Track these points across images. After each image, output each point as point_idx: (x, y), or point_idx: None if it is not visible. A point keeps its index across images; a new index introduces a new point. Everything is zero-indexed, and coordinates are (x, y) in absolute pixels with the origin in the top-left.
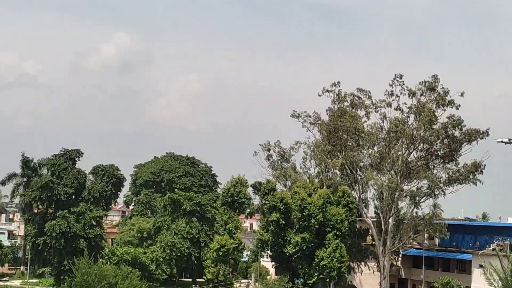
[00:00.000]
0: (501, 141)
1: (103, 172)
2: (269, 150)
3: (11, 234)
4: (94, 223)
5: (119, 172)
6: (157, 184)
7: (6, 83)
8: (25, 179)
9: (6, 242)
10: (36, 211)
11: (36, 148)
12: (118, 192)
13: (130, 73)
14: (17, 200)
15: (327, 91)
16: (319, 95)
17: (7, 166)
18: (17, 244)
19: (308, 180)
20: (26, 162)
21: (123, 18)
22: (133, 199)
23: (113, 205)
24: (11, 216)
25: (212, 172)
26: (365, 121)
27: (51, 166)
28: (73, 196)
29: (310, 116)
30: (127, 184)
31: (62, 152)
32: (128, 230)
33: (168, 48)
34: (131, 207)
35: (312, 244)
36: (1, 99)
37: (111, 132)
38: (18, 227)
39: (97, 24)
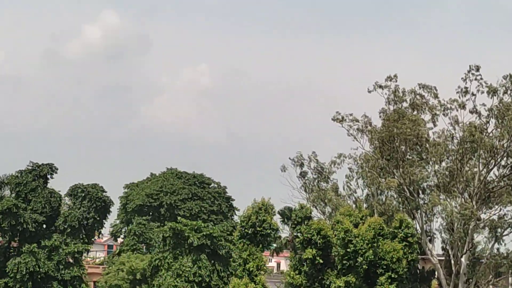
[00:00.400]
0: None
1: (83, 194)
2: (302, 165)
3: None
4: (71, 260)
5: (104, 194)
6: (154, 210)
7: None
8: None
9: None
10: None
11: None
12: (103, 220)
13: (119, 64)
14: None
15: (380, 86)
16: (369, 92)
17: None
18: None
19: (354, 206)
20: None
21: None
22: (123, 230)
23: (96, 237)
24: None
25: (227, 194)
26: (431, 128)
27: (16, 186)
28: (44, 225)
29: (357, 121)
30: (114, 210)
31: (30, 167)
32: (116, 270)
33: (169, 31)
34: (120, 240)
35: None
36: None
37: (94, 141)
38: None
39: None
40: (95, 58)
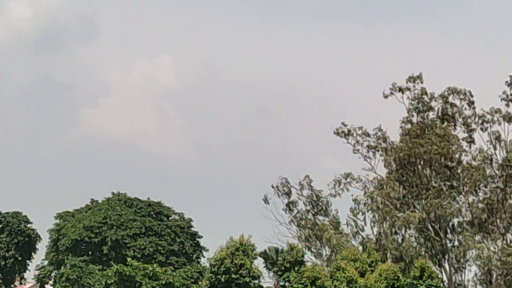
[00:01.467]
0: None
1: (1, 226)
2: (289, 194)
3: None
4: None
5: (29, 225)
6: (95, 248)
7: None
8: None
9: None
10: None
11: None
12: (27, 261)
13: (54, 54)
14: None
15: (400, 90)
16: (385, 97)
17: None
18: None
19: (361, 248)
20: None
21: None
22: (53, 274)
23: (17, 283)
24: None
25: (193, 229)
26: (464, 147)
27: None
28: None
29: (368, 135)
30: (42, 247)
31: None
32: None
33: (121, 12)
34: (48, 287)
35: None
36: None
37: (16, 155)
38: None
39: None
40: (21, 45)
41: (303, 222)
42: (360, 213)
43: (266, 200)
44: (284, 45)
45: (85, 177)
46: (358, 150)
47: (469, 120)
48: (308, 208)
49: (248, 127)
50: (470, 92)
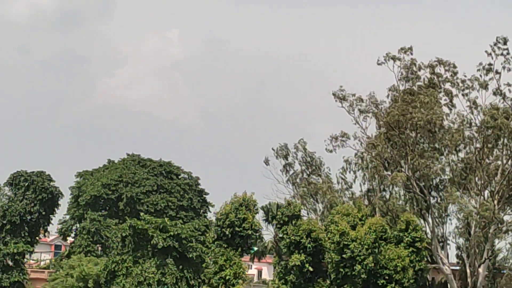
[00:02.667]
0: None
1: (26, 184)
2: (287, 156)
3: None
4: (10, 263)
5: (52, 183)
6: (112, 204)
7: None
8: None
9: None
10: None
11: None
12: (50, 216)
13: (74, 29)
14: None
15: (392, 58)
16: (379, 64)
17: None
18: None
19: (351, 204)
20: None
21: None
22: (74, 227)
23: (41, 235)
24: None
25: (200, 187)
26: (448, 112)
27: None
28: None
29: (362, 100)
30: (64, 203)
31: None
32: (65, 275)
33: None
34: (70, 239)
35: None
36: None
37: (40, 120)
38: None
39: None
40: (43, 22)
41: (298, 181)
42: (352, 172)
43: (266, 162)
44: (285, 19)
45: (103, 139)
46: (352, 113)
47: (450, 88)
48: (303, 168)
49: (251, 95)
50: (454, 63)
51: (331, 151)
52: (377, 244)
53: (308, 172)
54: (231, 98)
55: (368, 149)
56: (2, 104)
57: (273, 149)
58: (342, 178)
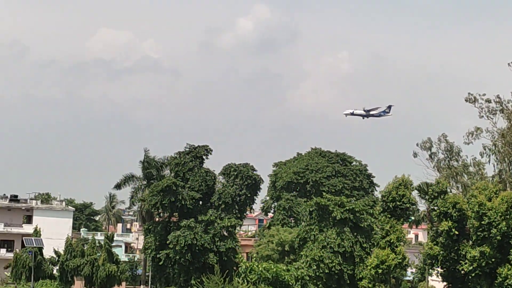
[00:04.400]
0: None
1: (235, 173)
2: (430, 148)
3: (128, 247)
4: (225, 234)
5: (255, 172)
6: (301, 187)
7: (123, 67)
8: (144, 182)
9: (123, 257)
10: (157, 219)
11: (156, 145)
12: (254, 197)
13: (269, 53)
14: (135, 207)
15: None
16: (509, 64)
17: (123, 166)
18: (135, 259)
19: (487, 181)
20: (147, 162)
21: None
22: (273, 205)
23: (248, 212)
24: (128, 226)
25: (368, 172)
26: None
27: (175, 166)
28: (201, 202)
29: (489, 101)
30: (264, 187)
31: (188, 149)
32: (267, 242)
33: (314, 22)
34: (270, 214)
35: (493, 259)
36: (117, 88)
37: (245, 123)
38: (137, 238)
39: None
40: (246, 48)
41: (442, 167)
42: (486, 156)
43: (415, 155)
44: (430, 37)
45: (292, 136)
46: (482, 114)
47: None
48: (445, 156)
49: (404, 100)
50: None
51: (468, 143)
52: (508, 212)
53: (449, 159)
54: (388, 101)
55: (500, 137)
56: (221, 113)
57: (417, 144)
58: (476, 163)
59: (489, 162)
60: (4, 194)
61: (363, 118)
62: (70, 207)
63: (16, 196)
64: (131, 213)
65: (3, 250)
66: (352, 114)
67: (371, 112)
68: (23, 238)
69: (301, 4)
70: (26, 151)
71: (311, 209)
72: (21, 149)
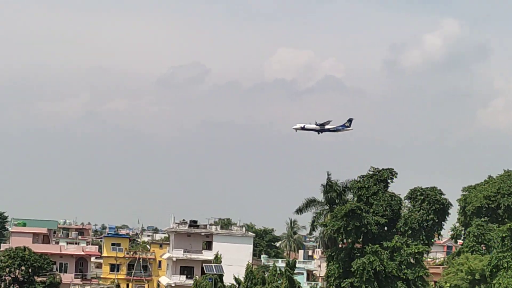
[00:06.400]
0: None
1: (422, 197)
2: None
3: (310, 275)
4: (412, 261)
5: (443, 196)
6: (492, 212)
7: (306, 88)
8: (326, 207)
9: (305, 285)
10: (340, 245)
11: (337, 167)
12: (442, 222)
13: (458, 70)
14: (317, 232)
15: None
16: None
17: (304, 190)
18: (318, 287)
19: None
20: (329, 185)
21: (450, 0)
22: (462, 232)
23: (436, 238)
24: (310, 253)
25: None
26: None
27: (358, 190)
28: (386, 227)
29: None
30: (453, 212)
31: (371, 172)
32: (456, 271)
33: (505, 38)
34: (459, 241)
35: None
36: (299, 107)
37: (431, 145)
38: (319, 266)
39: (418, 10)
40: (433, 65)
41: None
42: None
43: None
44: None
45: (482, 158)
46: None
47: None
48: None
49: None
50: None
51: None
52: None
53: None
54: None
55: None
56: (403, 133)
57: None
58: None
59: None
60: (184, 220)
61: (318, 133)
62: (250, 233)
63: (196, 222)
64: (312, 239)
65: (183, 277)
66: (303, 128)
67: (326, 127)
68: (203, 264)
69: (492, 18)
70: (205, 175)
71: (503, 235)
72: (199, 173)
